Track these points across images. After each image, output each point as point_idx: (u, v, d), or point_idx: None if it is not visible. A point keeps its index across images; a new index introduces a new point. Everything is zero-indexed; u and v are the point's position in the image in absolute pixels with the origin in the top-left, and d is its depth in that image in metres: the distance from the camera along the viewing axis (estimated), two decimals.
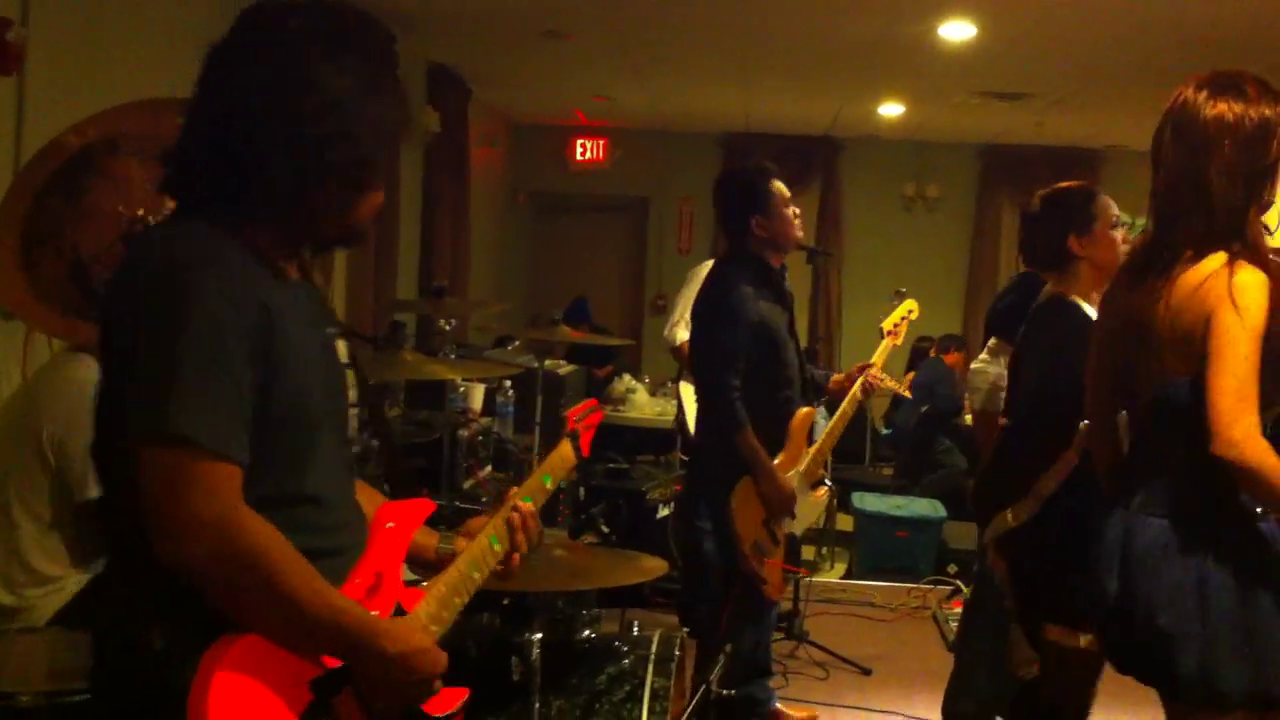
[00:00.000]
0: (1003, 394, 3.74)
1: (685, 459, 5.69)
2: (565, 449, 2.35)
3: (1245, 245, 2.50)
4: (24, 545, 3.09)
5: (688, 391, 5.71)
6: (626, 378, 7.81)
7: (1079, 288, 3.47)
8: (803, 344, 4.50)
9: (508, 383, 5.79)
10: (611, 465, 6.30)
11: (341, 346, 1.97)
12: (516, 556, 2.08)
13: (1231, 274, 2.44)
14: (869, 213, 10.91)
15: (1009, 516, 3.40)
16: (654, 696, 3.13)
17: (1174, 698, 2.51)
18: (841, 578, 6.96)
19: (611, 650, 3.27)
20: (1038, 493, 3.34)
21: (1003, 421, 3.68)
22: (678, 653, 3.28)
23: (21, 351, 3.61)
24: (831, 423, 4.39)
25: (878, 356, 4.52)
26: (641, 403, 7.63)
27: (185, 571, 1.61)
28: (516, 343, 6.97)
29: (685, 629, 3.50)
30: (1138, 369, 2.57)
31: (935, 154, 10.69)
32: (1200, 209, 2.53)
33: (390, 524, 1.94)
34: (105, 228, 2.72)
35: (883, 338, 4.58)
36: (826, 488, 4.47)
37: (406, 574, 1.97)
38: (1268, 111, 2.53)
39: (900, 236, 10.71)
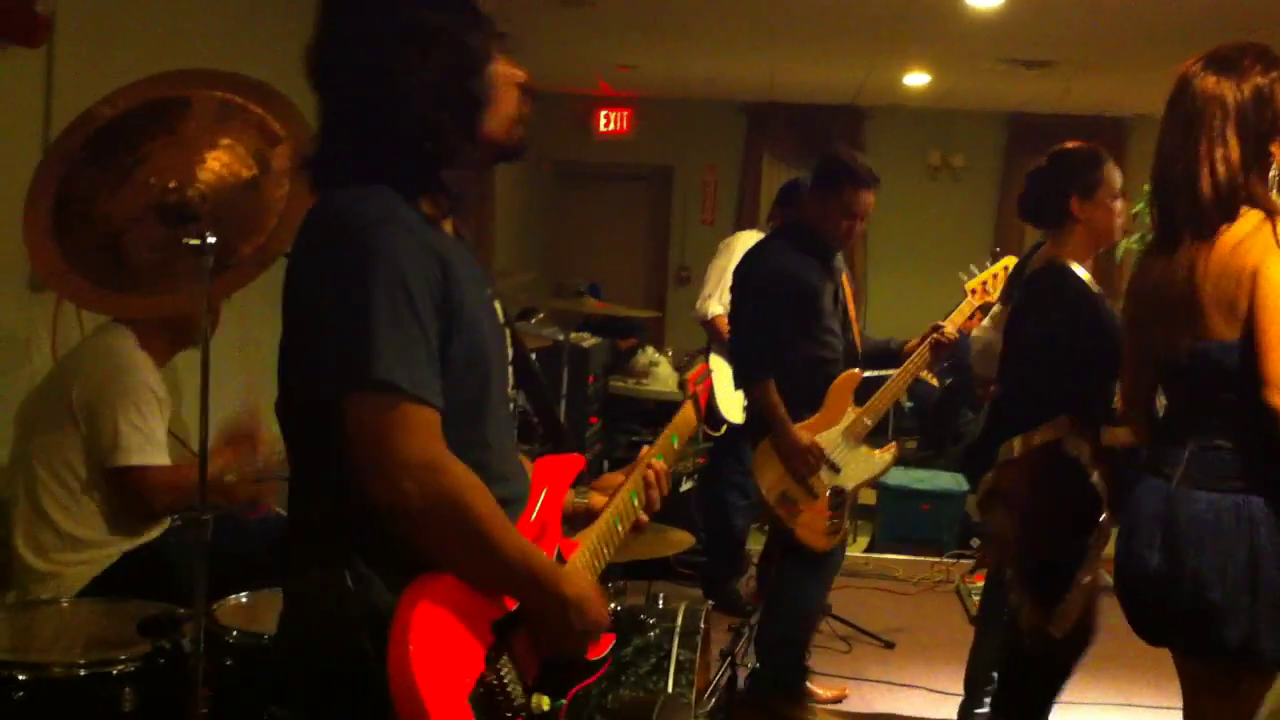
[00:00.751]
0: (994, 360, 3.75)
1: (711, 434, 5.69)
2: (688, 410, 2.44)
3: (1254, 206, 2.51)
4: (50, 506, 3.11)
5: (718, 367, 5.71)
6: (650, 350, 7.81)
7: (1074, 251, 3.49)
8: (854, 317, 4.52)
9: (533, 355, 5.78)
10: (635, 438, 6.31)
11: (498, 306, 2.02)
12: (656, 505, 2.20)
13: (1273, 228, 2.46)
14: (894, 182, 10.71)
15: (990, 477, 3.46)
16: (679, 669, 3.15)
17: (1209, 663, 2.52)
18: (864, 551, 6.96)
19: (637, 622, 3.30)
20: (1020, 451, 3.36)
21: (993, 388, 3.70)
22: (703, 625, 3.30)
23: (52, 322, 3.64)
24: (893, 379, 4.38)
25: (956, 315, 4.44)
26: (665, 375, 7.62)
27: (398, 510, 1.69)
28: (541, 315, 6.96)
29: (710, 602, 3.50)
30: (1177, 338, 2.56)
31: (961, 123, 10.60)
32: (1192, 184, 2.52)
33: (551, 476, 2.06)
34: (136, 198, 2.73)
35: (965, 297, 4.53)
36: (893, 445, 4.48)
37: None
38: (1260, 81, 2.54)
39: (925, 206, 10.63)
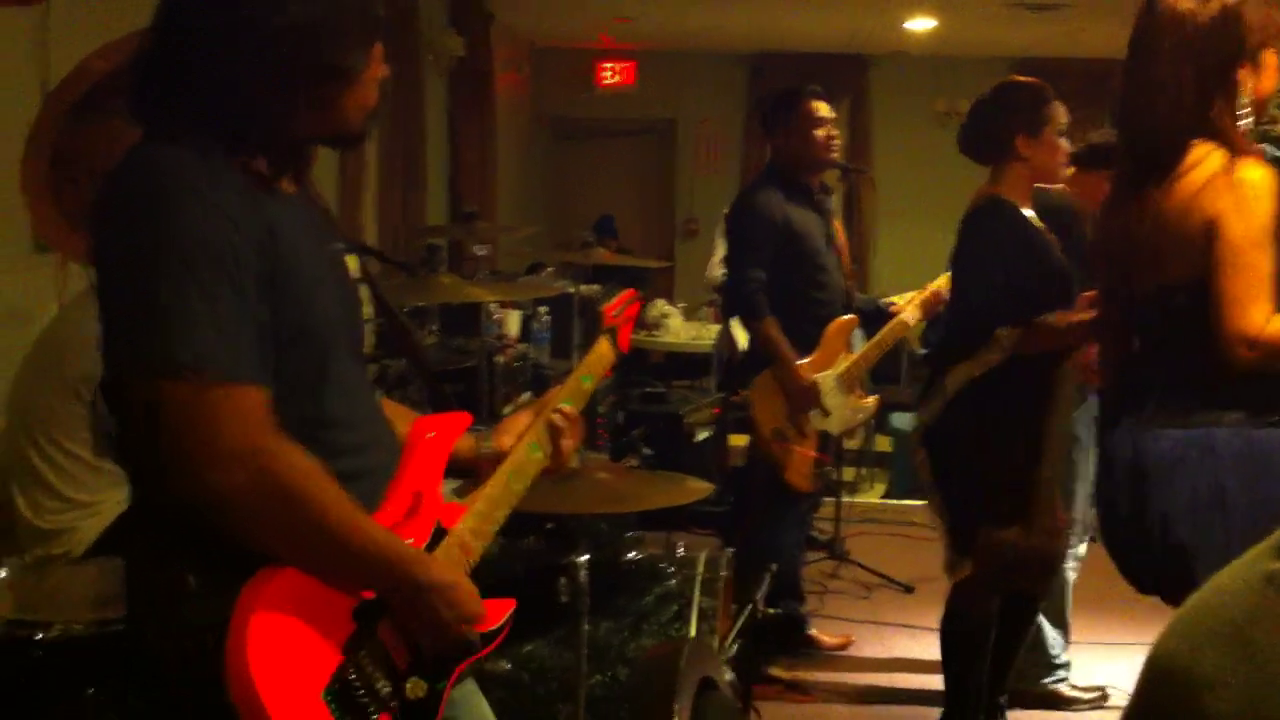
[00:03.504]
0: None
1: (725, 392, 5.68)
2: (603, 346, 2.23)
3: (1218, 141, 2.41)
4: (52, 477, 3.06)
5: (737, 330, 5.70)
6: (660, 303, 7.77)
7: (1013, 188, 3.43)
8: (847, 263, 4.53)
9: (543, 308, 5.76)
10: (648, 390, 6.28)
11: (352, 262, 1.87)
12: (566, 455, 2.01)
13: (1233, 172, 2.36)
14: (900, 131, 10.74)
15: (920, 413, 3.47)
16: (702, 616, 3.12)
17: None
18: (881, 498, 6.94)
19: (657, 571, 3.27)
20: (945, 390, 3.35)
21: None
22: (724, 572, 3.27)
23: (58, 283, 3.60)
24: (881, 333, 4.42)
25: (939, 281, 4.47)
26: (676, 327, 7.59)
27: (213, 508, 1.53)
28: (550, 269, 6.92)
29: (731, 549, 3.48)
30: (1143, 279, 2.51)
31: (967, 69, 10.47)
32: (1149, 113, 2.45)
33: (430, 434, 1.87)
34: None
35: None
36: (875, 396, 4.49)
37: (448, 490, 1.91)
38: (1228, 2, 2.42)
39: (933, 154, 10.53)
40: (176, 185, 1.56)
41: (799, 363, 4.22)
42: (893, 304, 4.57)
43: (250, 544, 1.56)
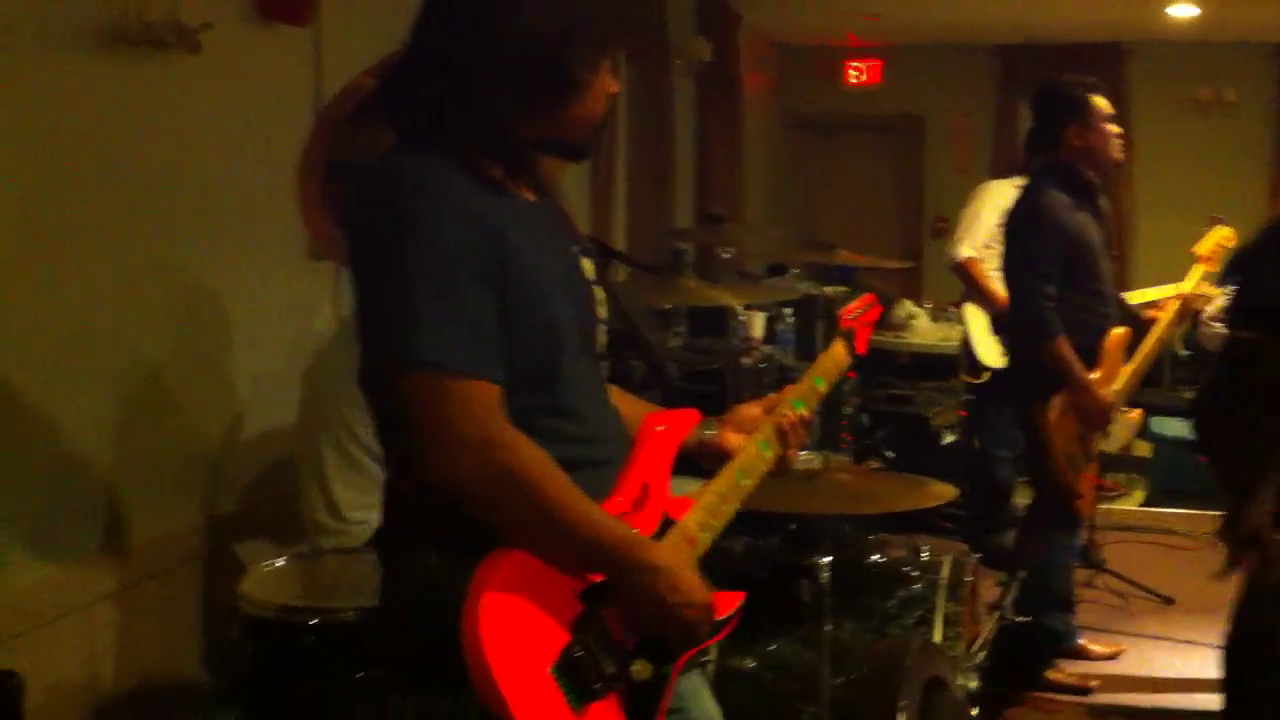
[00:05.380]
0: None
1: (973, 382, 5.56)
2: (838, 349, 2.26)
3: None
4: (350, 474, 3.13)
5: (973, 314, 5.59)
6: (907, 303, 7.67)
7: None
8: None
9: (788, 310, 5.77)
10: (893, 391, 6.22)
11: (587, 264, 1.95)
12: (791, 456, 2.04)
13: None
14: (1160, 121, 10.31)
15: None
16: (947, 622, 3.09)
17: None
18: (1139, 505, 6.70)
19: (901, 575, 3.26)
20: None
21: None
22: (969, 578, 3.24)
23: (332, 290, 3.81)
24: (1146, 345, 4.24)
25: (1188, 284, 4.33)
26: (922, 328, 7.49)
27: (454, 492, 1.66)
28: (795, 270, 6.93)
29: (977, 555, 3.43)
30: None
31: (1229, 56, 10.02)
32: None
33: (660, 428, 1.94)
34: None
35: (1194, 263, 4.35)
36: (1139, 409, 4.34)
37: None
38: None
39: (1195, 145, 10.10)
40: (421, 190, 1.70)
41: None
42: (1152, 303, 4.41)
43: (486, 528, 1.67)
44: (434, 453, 1.65)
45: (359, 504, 3.16)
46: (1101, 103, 4.18)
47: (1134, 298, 4.71)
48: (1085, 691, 4.24)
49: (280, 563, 2.96)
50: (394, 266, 1.67)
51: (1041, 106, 4.32)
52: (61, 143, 2.93)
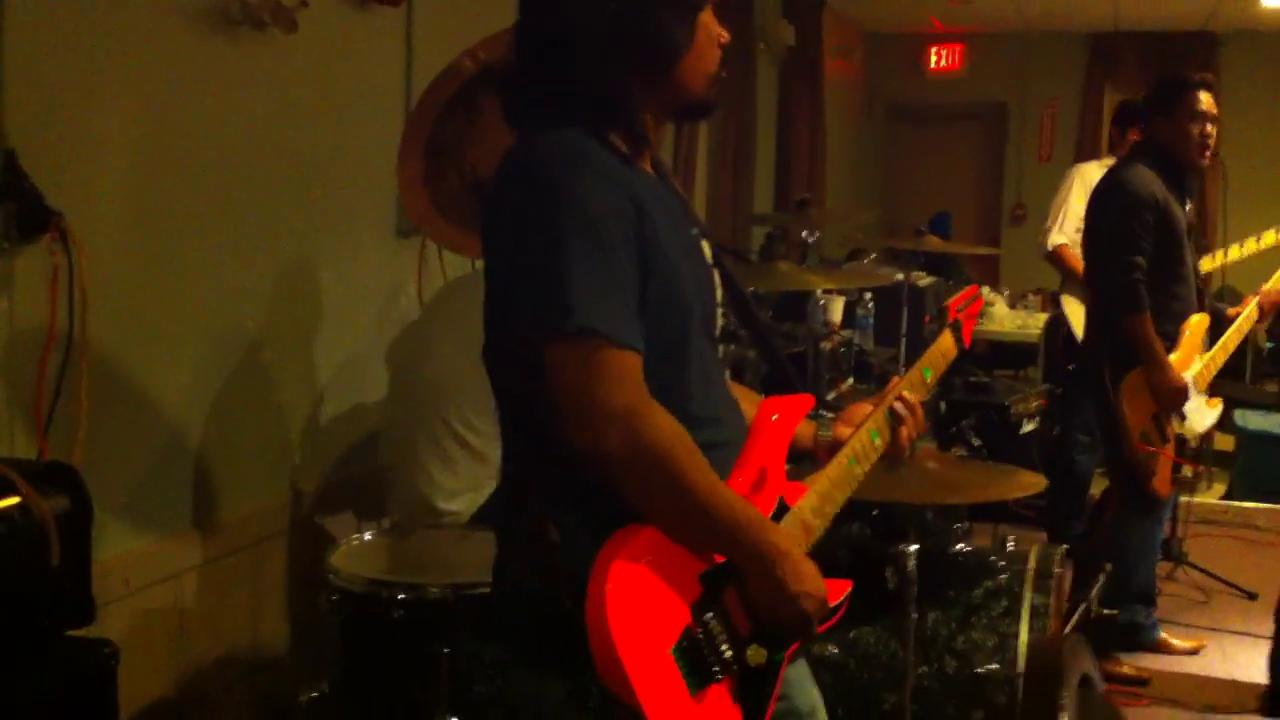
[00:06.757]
0: None
1: (1070, 369, 5.53)
2: (946, 340, 2.27)
3: None
4: (458, 455, 3.13)
5: (1070, 302, 5.55)
6: (985, 290, 7.60)
7: None
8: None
9: (867, 295, 5.74)
10: (972, 379, 6.17)
11: (706, 247, 1.97)
12: (904, 443, 2.05)
13: None
14: (1253, 112, 10.11)
15: None
16: (1033, 614, 3.06)
17: None
18: (1221, 499, 6.60)
19: (987, 564, 3.22)
20: None
21: None
22: (1058, 570, 3.20)
23: (418, 267, 3.85)
24: (1225, 336, 4.25)
25: (1275, 282, 4.31)
26: (1001, 316, 7.42)
27: (600, 462, 1.65)
28: (873, 255, 6.88)
29: (1064, 545, 3.39)
30: None
31: None
32: None
33: (775, 416, 1.93)
34: (500, 149, 2.83)
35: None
36: (1220, 398, 4.31)
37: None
38: None
39: None
40: (568, 162, 1.71)
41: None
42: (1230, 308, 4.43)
43: (622, 500, 1.66)
44: (582, 422, 1.65)
45: (451, 490, 3.19)
46: (1197, 101, 4.14)
47: (1206, 265, 4.70)
48: (1143, 683, 4.20)
49: (368, 536, 2.99)
50: (549, 238, 1.66)
51: (1148, 91, 4.37)
52: (164, 119, 2.98)
